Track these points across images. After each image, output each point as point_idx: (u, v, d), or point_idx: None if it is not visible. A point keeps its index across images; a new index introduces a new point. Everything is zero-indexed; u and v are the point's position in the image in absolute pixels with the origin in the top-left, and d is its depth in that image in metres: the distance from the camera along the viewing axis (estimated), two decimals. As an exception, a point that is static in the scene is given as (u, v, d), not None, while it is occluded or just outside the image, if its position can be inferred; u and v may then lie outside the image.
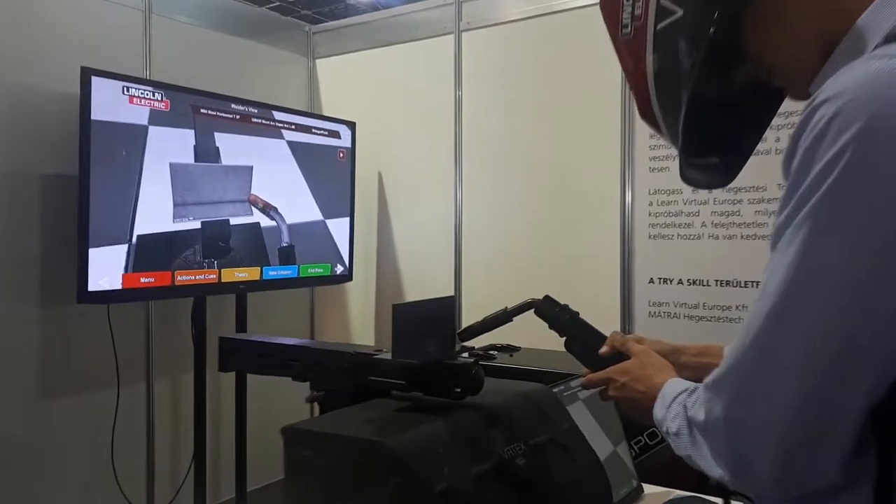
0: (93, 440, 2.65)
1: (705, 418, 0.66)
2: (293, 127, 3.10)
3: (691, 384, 0.77)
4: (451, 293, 3.16)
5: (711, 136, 0.75)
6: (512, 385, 1.10)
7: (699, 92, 0.68)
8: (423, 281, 3.27)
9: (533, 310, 1.02)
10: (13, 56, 2.44)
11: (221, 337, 1.19)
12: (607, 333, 1.01)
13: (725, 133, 0.77)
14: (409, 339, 0.95)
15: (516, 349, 2.43)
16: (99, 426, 2.66)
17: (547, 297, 1.04)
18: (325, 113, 3.53)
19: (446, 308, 1.03)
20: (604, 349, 0.98)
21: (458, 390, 0.95)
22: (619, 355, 0.96)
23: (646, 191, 2.55)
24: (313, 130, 3.20)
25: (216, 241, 2.79)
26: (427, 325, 0.99)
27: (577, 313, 1.02)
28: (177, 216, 2.64)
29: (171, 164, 2.61)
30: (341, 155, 3.32)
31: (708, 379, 0.67)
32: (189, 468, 2.91)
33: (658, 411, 0.81)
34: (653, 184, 2.54)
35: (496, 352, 2.34)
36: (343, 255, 3.34)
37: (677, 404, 0.75)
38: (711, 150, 0.77)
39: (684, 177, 0.78)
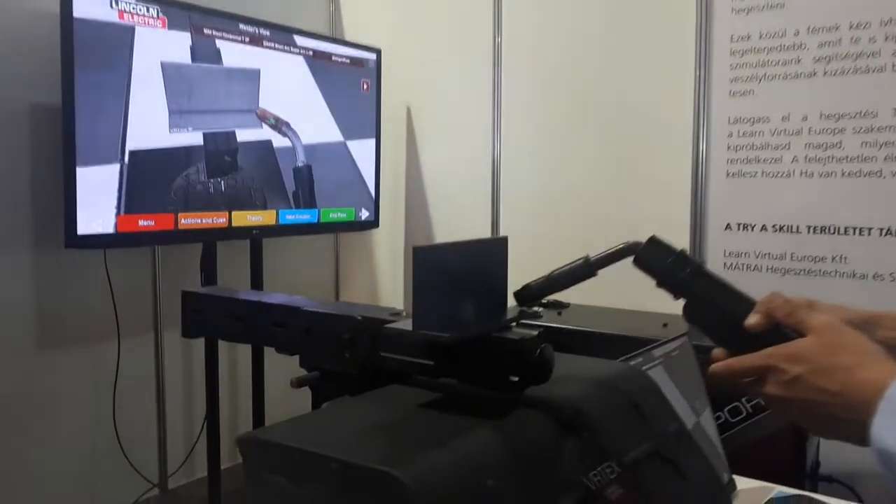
0: (94, 396, 2.42)
1: None
2: (311, 53, 2.74)
3: None
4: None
5: None
6: (585, 365, 0.76)
7: None
8: (458, 229, 2.95)
9: (632, 258, 0.68)
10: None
11: (185, 291, 0.87)
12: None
13: None
14: (438, 299, 0.62)
15: (564, 306, 2.11)
16: (100, 382, 2.42)
17: (654, 240, 0.69)
18: (348, 39, 3.16)
19: (494, 254, 0.70)
20: (753, 319, 0.63)
21: (516, 379, 0.62)
22: (778, 331, 0.62)
23: (724, 119, 2.15)
24: (334, 57, 2.84)
25: (221, 156, 2.47)
26: (466, 278, 0.65)
27: (702, 263, 0.68)
28: (173, 126, 2.32)
29: (162, 64, 2.28)
30: (365, 86, 2.97)
31: None
32: (202, 428, 2.68)
33: (889, 434, 0.47)
34: (733, 111, 2.13)
35: (541, 308, 2.02)
36: (369, 187, 3.01)
37: None
38: None
39: None
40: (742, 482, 1.27)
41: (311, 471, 0.52)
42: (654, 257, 0.68)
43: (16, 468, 2.23)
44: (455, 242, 0.65)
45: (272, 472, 0.54)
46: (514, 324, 0.66)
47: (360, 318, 0.71)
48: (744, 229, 2.14)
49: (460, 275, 0.65)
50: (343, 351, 0.71)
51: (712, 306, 0.66)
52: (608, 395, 0.68)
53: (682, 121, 2.25)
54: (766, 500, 1.21)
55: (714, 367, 0.64)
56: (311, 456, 0.52)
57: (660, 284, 0.68)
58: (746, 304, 0.65)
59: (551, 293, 0.69)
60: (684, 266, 0.67)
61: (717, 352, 0.65)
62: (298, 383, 0.71)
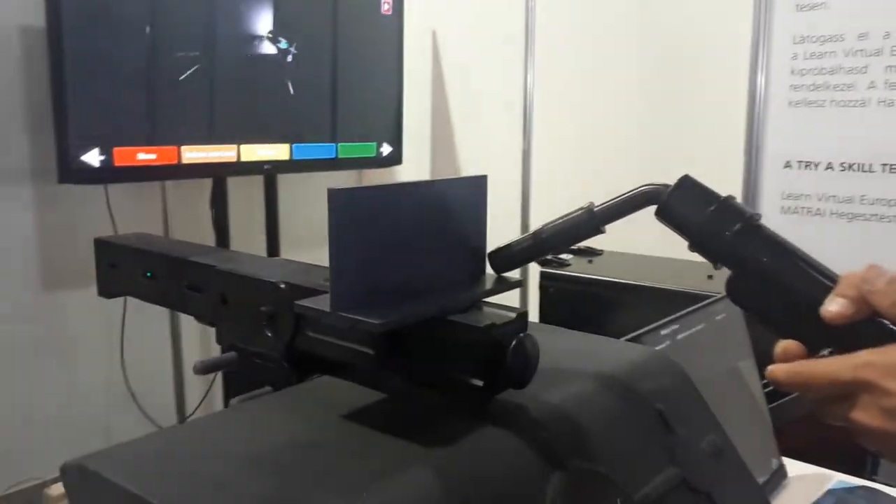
0: (102, 338, 2.34)
1: None
2: (324, -30, 2.50)
3: None
4: (519, 181, 2.63)
5: None
6: (588, 349, 0.56)
7: None
8: (487, 165, 2.74)
9: (655, 208, 0.47)
10: None
11: (98, 240, 0.70)
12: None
13: None
14: (371, 266, 0.43)
15: (597, 253, 1.91)
16: (109, 323, 2.33)
17: (686, 183, 0.48)
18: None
19: (466, 202, 0.50)
20: (835, 307, 0.42)
21: (481, 383, 0.43)
22: (877, 326, 0.42)
23: (789, 37, 1.85)
24: (350, -25, 2.59)
25: (229, 83, 2.28)
26: (421, 235, 0.46)
27: (757, 216, 0.47)
28: (175, 48, 2.12)
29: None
30: (386, 7, 2.71)
31: None
32: (218, 371, 2.59)
33: None
34: (800, 28, 1.83)
35: (571, 256, 1.82)
36: (391, 120, 2.79)
37: None
38: None
39: None
40: (795, 467, 1.08)
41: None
42: (686, 207, 0.47)
43: (24, 412, 2.17)
44: (401, 184, 0.45)
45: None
46: (486, 300, 0.47)
47: (282, 285, 0.52)
48: (806, 167, 1.87)
49: (411, 231, 0.46)
50: (264, 328, 0.53)
51: (772, 282, 0.45)
52: (617, 400, 0.48)
53: (738, 40, 1.95)
54: (825, 491, 1.02)
55: (776, 370, 0.44)
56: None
57: (694, 246, 0.47)
58: (825, 282, 0.44)
59: (540, 256, 0.50)
60: (731, 220, 0.46)
61: (788, 346, 0.44)
62: (203, 369, 0.54)
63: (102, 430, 2.37)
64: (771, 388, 1.41)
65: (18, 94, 2.11)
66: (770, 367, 0.45)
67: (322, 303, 0.43)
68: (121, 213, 2.27)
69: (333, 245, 0.41)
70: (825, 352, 0.43)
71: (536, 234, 0.49)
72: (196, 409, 2.62)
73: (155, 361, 2.50)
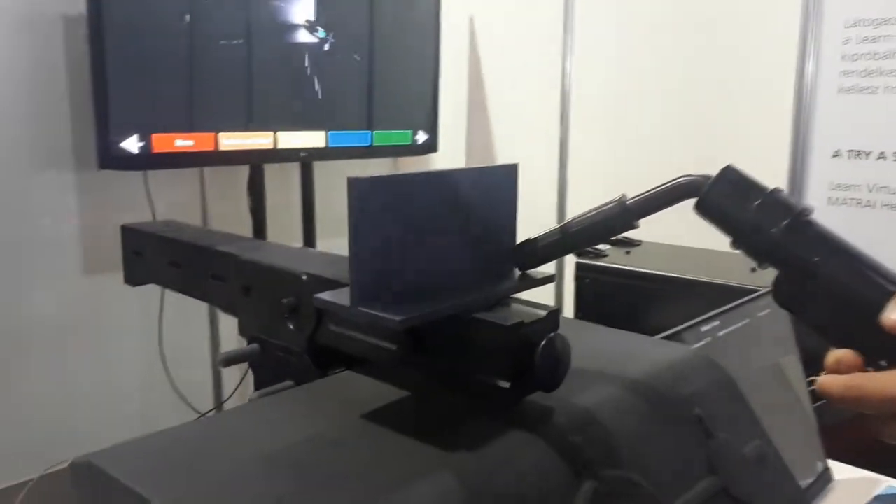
0: (140, 321, 2.37)
1: None
2: (359, -45, 2.48)
3: None
4: (556, 170, 2.59)
5: None
6: (623, 349, 0.54)
7: None
8: (523, 154, 2.70)
9: (694, 202, 0.44)
10: None
11: (125, 227, 0.69)
12: None
13: None
14: (393, 258, 0.41)
15: (635, 244, 1.86)
16: (147, 307, 2.37)
17: (729, 174, 0.44)
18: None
19: (494, 192, 0.48)
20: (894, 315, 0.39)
21: (508, 384, 0.41)
22: None
23: (840, 21, 1.77)
24: (387, -39, 2.57)
25: (265, 71, 2.26)
26: (447, 227, 0.44)
27: (809, 211, 0.43)
28: (214, 36, 2.13)
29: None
30: (423, -7, 2.69)
31: None
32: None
33: None
34: (853, 10, 1.75)
35: (607, 246, 1.78)
36: (427, 107, 2.76)
37: None
38: None
39: None
40: (841, 471, 1.03)
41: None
42: (728, 201, 0.43)
43: (63, 395, 2.22)
44: (427, 173, 0.43)
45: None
46: (513, 296, 0.45)
47: (304, 277, 0.51)
48: (856, 157, 1.79)
49: (436, 223, 0.43)
50: (285, 320, 0.52)
51: (824, 285, 0.41)
52: (653, 403, 0.46)
53: (786, 24, 1.88)
54: (873, 496, 0.97)
55: (828, 382, 0.40)
56: (155, 509, 0.33)
57: (737, 243, 0.44)
58: (886, 286, 0.40)
59: (569, 252, 0.47)
60: (779, 216, 0.42)
61: (841, 356, 0.40)
62: (226, 361, 0.52)
63: (140, 413, 2.41)
64: (811, 386, 1.35)
65: (60, 82, 2.14)
66: (821, 379, 0.41)
67: (342, 297, 0.41)
68: (159, 198, 2.30)
69: (354, 236, 0.39)
70: (883, 363, 0.40)
71: (564, 227, 0.46)
72: (232, 393, 2.65)
73: (193, 346, 2.53)
